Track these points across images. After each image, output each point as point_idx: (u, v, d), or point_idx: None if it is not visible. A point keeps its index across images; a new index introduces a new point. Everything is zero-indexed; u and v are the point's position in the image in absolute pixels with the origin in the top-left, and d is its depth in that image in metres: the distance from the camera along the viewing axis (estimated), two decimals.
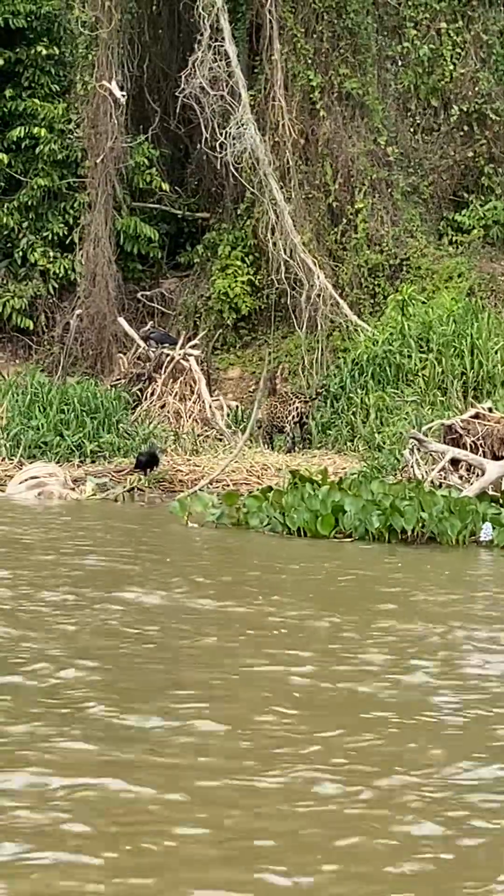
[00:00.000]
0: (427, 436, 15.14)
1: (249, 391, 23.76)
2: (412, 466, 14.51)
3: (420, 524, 12.71)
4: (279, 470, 18.66)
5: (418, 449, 14.68)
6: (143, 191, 24.90)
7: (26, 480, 17.18)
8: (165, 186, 24.67)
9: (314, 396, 20.87)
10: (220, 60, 22.61)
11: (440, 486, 14.39)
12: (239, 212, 24.08)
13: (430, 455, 14.88)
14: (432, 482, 14.36)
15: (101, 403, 20.23)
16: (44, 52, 24.34)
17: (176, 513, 13.89)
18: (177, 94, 22.95)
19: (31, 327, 24.20)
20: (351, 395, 20.33)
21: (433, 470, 14.52)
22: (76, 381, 21.37)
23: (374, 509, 12.90)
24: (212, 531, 13.30)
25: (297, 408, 20.39)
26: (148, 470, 17.62)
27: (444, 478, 14.52)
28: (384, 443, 19.06)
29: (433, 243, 23.64)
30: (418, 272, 23.19)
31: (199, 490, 15.62)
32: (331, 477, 14.82)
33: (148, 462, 17.69)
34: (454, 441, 15.32)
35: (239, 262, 23.89)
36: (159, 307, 24.64)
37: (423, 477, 14.31)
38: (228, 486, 17.36)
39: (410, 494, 13.08)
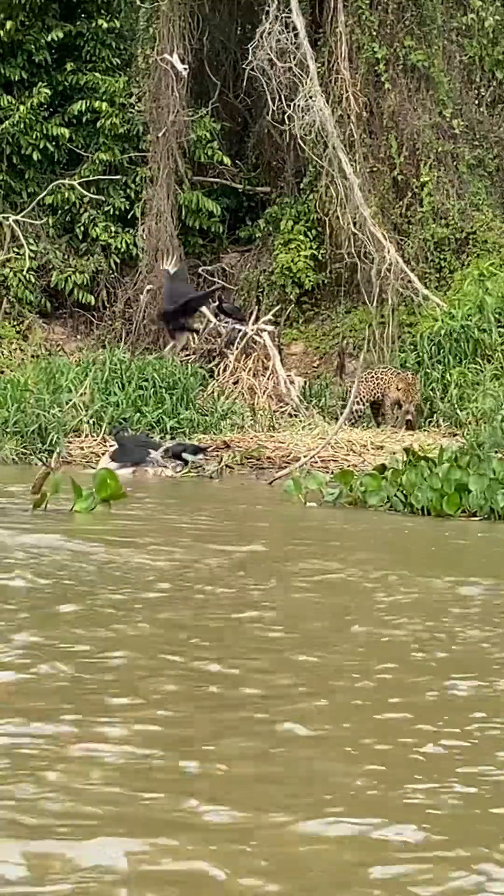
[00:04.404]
0: None
1: (313, 367, 23.66)
2: None
3: None
4: (364, 446, 18.62)
5: None
6: (203, 165, 24.72)
7: None
8: (227, 160, 24.47)
9: None
10: (287, 32, 22.44)
11: None
12: (302, 185, 23.89)
13: None
14: None
15: (178, 380, 20.16)
16: (104, 25, 24.13)
17: (291, 491, 13.74)
18: (243, 66, 22.79)
19: (92, 303, 24.05)
20: (428, 370, 20.26)
21: None
22: (154, 356, 21.29)
23: (499, 488, 12.82)
24: (338, 511, 13.16)
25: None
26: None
27: None
28: (466, 419, 19.02)
29: (499, 217, 23.50)
30: (485, 246, 23.05)
31: (302, 468, 15.54)
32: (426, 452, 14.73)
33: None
34: None
35: (301, 237, 23.73)
36: (221, 282, 24.49)
37: None
38: (317, 462, 17.29)
39: None
